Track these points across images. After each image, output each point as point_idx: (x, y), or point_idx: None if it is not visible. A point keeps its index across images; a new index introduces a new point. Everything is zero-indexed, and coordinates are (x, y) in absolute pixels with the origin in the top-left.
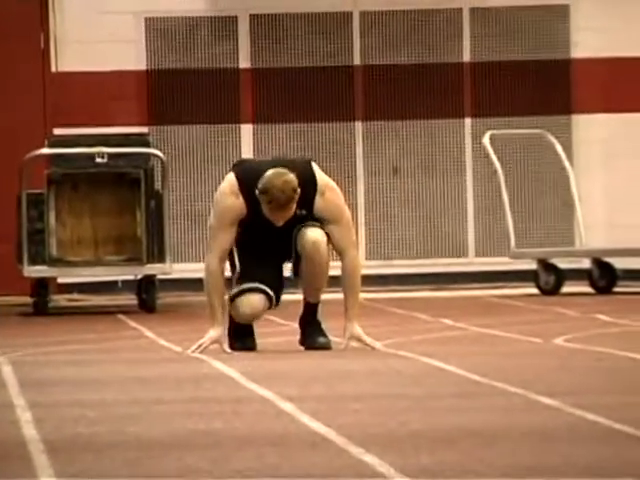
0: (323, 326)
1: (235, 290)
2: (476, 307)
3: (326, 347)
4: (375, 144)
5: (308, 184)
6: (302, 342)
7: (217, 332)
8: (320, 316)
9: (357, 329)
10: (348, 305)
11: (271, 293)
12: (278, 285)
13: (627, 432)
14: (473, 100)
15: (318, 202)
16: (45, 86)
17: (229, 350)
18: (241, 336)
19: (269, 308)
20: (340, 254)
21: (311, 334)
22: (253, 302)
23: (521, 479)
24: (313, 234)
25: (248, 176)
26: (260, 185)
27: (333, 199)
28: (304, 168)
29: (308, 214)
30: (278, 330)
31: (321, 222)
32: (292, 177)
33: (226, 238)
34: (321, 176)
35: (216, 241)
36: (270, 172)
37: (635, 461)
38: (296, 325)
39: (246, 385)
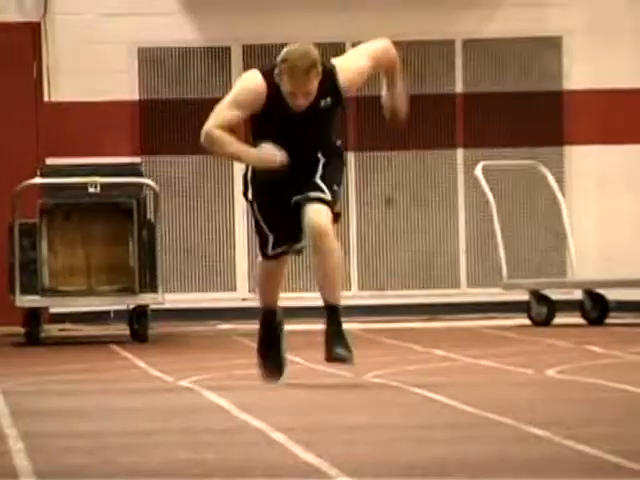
0: (347, 336)
1: (266, 254)
2: (468, 338)
3: (344, 360)
4: (367, 175)
5: (327, 72)
6: (325, 357)
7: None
8: (343, 324)
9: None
10: (391, 80)
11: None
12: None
13: (617, 463)
14: (465, 131)
15: (342, 83)
16: (38, 116)
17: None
18: (268, 349)
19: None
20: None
21: (330, 344)
22: (282, 263)
23: None
24: (315, 218)
25: (270, 68)
26: (280, 56)
27: (351, 67)
28: (325, 61)
29: (333, 104)
30: None
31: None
32: (313, 49)
33: (233, 115)
34: (339, 60)
35: (220, 114)
36: (291, 45)
37: None
38: (292, 356)
39: (238, 415)
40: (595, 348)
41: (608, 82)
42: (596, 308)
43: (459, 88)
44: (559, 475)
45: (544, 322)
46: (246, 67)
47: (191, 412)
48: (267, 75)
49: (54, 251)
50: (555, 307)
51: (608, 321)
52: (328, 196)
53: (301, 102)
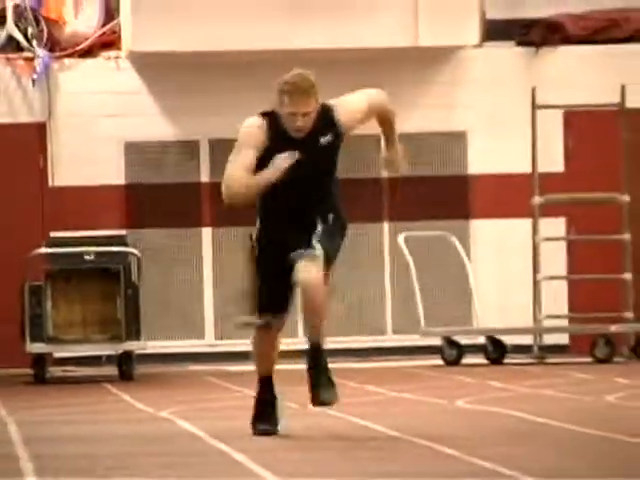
0: (332, 375)
1: (256, 323)
2: (393, 376)
3: (329, 403)
4: None
5: (325, 108)
6: (311, 399)
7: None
8: (327, 364)
9: (395, 153)
10: (388, 136)
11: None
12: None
13: (511, 475)
14: (390, 207)
15: (340, 118)
16: (43, 197)
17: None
18: (263, 416)
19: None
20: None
21: (315, 388)
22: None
23: None
24: (305, 274)
25: (269, 110)
26: (280, 80)
27: (348, 105)
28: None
29: (334, 140)
30: (232, 396)
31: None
32: (312, 74)
33: (249, 155)
34: (336, 100)
35: (238, 157)
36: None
37: None
38: (247, 392)
39: (208, 441)
40: (495, 383)
41: (503, 168)
42: (496, 350)
43: (385, 173)
44: None
45: (454, 362)
46: (213, 158)
47: (169, 438)
48: (264, 113)
49: (57, 307)
50: (463, 350)
51: (506, 361)
52: (319, 252)
53: (300, 124)
